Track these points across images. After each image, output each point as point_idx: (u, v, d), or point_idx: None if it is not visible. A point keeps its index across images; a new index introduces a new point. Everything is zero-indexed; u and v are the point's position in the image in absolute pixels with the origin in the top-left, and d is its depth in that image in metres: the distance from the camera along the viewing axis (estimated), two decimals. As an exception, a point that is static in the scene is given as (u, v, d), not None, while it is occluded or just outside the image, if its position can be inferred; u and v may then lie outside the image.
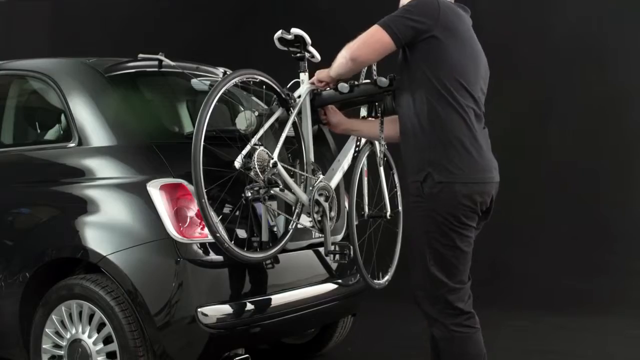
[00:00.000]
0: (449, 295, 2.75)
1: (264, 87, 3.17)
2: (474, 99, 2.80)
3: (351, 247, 3.36)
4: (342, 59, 2.90)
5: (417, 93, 2.79)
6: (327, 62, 3.42)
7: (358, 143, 3.53)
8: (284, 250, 3.24)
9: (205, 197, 2.82)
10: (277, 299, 3.30)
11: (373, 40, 2.80)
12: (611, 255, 5.82)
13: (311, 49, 3.27)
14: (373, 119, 3.37)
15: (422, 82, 2.78)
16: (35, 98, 3.81)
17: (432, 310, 2.79)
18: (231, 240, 2.95)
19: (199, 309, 3.02)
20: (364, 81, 3.34)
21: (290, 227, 3.22)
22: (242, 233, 3.22)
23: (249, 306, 3.17)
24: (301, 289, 3.46)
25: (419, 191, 2.76)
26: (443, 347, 2.80)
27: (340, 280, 3.74)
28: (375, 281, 3.70)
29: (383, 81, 3.13)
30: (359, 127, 3.35)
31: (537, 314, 5.29)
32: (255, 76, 3.12)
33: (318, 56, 3.31)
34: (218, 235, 2.88)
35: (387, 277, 3.82)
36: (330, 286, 3.66)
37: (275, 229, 3.33)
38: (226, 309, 3.09)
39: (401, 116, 2.91)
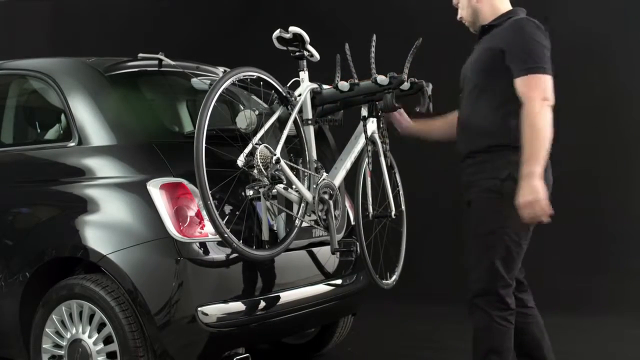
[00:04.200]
0: (502, 290, 2.90)
1: (262, 84, 3.16)
2: None
3: (357, 243, 3.36)
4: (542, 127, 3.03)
5: (504, 108, 2.94)
6: (326, 61, 3.42)
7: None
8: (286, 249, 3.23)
9: (211, 198, 2.82)
10: (278, 298, 3.30)
11: (549, 86, 3.06)
12: (610, 255, 5.81)
13: (310, 47, 3.26)
14: (432, 119, 3.39)
15: (512, 99, 2.93)
16: (35, 98, 3.81)
17: (481, 300, 2.91)
18: (239, 240, 2.95)
19: (199, 309, 3.02)
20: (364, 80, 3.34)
21: (296, 224, 3.21)
22: (244, 232, 3.21)
23: (250, 305, 3.18)
24: (302, 288, 3.46)
25: (497, 188, 2.88)
26: (481, 337, 2.92)
27: (340, 280, 3.74)
28: (383, 281, 3.70)
29: (383, 79, 3.13)
30: (429, 131, 3.42)
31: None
32: (254, 74, 3.11)
33: (317, 55, 3.30)
34: (226, 235, 2.88)
35: (394, 277, 3.82)
36: (330, 285, 3.66)
37: (275, 227, 3.33)
38: (226, 308, 3.09)
39: (479, 122, 2.97)
